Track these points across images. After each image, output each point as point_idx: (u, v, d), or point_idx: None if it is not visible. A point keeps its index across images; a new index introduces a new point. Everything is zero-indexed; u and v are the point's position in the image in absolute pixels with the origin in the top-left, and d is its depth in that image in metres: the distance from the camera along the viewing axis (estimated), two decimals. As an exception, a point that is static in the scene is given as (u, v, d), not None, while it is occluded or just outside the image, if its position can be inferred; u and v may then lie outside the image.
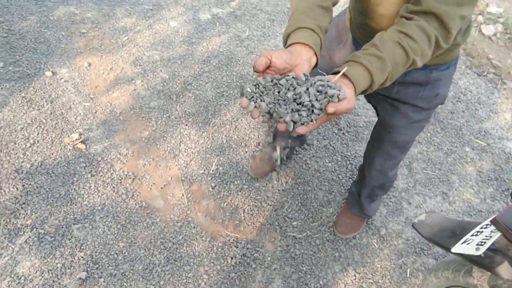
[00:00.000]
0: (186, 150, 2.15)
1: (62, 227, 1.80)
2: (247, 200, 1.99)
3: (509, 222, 0.98)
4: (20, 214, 1.81)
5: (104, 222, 1.84)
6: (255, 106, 0.80)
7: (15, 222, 1.79)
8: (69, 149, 2.09)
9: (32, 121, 2.18)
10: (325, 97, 0.78)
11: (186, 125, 2.26)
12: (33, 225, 1.79)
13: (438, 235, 1.19)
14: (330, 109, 0.77)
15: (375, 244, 1.91)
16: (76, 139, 2.14)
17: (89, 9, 2.80)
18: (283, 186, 2.05)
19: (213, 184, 2.03)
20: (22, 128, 2.15)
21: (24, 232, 1.77)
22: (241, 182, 2.05)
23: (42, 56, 2.50)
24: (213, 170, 2.07)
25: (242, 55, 2.61)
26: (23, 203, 1.85)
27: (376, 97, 1.39)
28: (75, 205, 1.88)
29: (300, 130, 0.78)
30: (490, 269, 1.01)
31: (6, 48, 2.51)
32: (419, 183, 2.13)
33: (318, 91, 0.79)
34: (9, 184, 1.90)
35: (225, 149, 2.17)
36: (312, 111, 0.78)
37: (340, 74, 0.84)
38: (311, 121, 0.78)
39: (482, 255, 1.00)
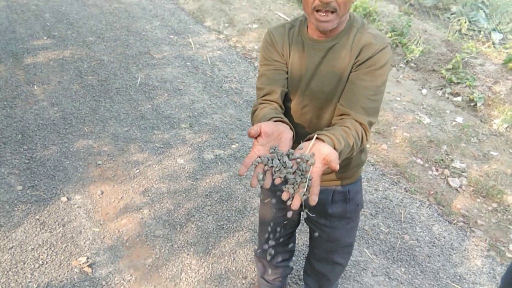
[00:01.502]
0: (186, 279, 2.28)
1: None
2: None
3: None
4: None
5: None
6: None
7: None
8: (76, 272, 2.20)
9: (43, 243, 2.31)
10: (302, 174, 1.05)
11: (188, 254, 2.42)
12: None
13: None
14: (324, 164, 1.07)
15: None
16: (83, 263, 2.26)
17: (106, 144, 3.14)
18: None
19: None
20: (33, 248, 2.27)
21: None
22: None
23: (59, 182, 2.74)
24: (212, 301, 2.18)
25: (241, 192, 2.90)
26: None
27: (311, 219, 1.72)
28: (78, 330, 1.92)
29: (311, 201, 1.02)
30: None
31: (27, 173, 2.76)
32: (405, 323, 2.26)
33: (299, 170, 1.06)
34: (16, 305, 1.96)
35: (224, 280, 2.30)
36: (299, 181, 1.05)
37: (314, 138, 1.13)
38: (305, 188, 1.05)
39: None
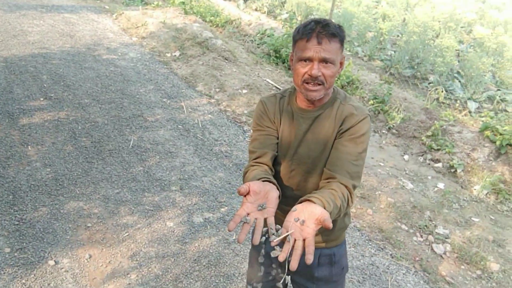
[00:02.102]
0: None
1: None
2: None
3: None
4: None
5: None
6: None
7: None
8: None
9: (26, 310, 2.27)
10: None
11: (175, 322, 2.39)
12: None
13: None
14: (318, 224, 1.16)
15: None
16: (67, 332, 2.21)
17: (97, 206, 3.17)
18: None
19: None
20: (16, 316, 2.22)
21: None
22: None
23: (47, 245, 2.73)
24: None
25: (229, 257, 2.91)
26: None
27: (299, 283, 1.75)
28: None
29: (307, 260, 1.12)
30: None
31: (15, 235, 2.75)
32: None
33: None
34: None
35: None
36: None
37: (305, 201, 1.25)
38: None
39: None
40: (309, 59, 1.39)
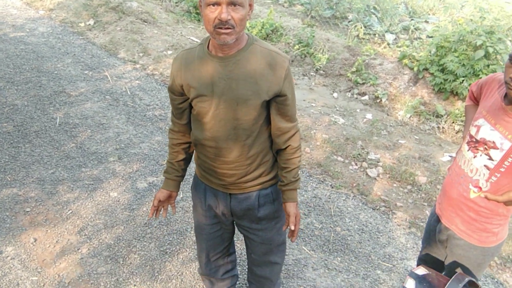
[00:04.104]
0: (137, 309, 2.30)
1: None
2: None
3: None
4: None
5: None
6: None
7: None
8: (18, 326, 2.12)
9: (-23, 303, 2.20)
10: None
11: (135, 285, 2.43)
12: None
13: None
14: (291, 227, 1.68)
15: None
16: (25, 315, 2.19)
17: (32, 189, 3.05)
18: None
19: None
20: (-34, 312, 2.16)
21: None
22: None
23: (-14, 237, 2.61)
24: (166, 324, 2.21)
25: (179, 215, 2.97)
26: None
27: (244, 226, 1.86)
28: None
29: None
30: None
31: None
32: (348, 307, 2.47)
33: None
34: None
35: (175, 302, 2.36)
36: None
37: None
38: None
39: None
40: (217, 3, 1.35)
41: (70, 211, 2.90)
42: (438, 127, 4.60)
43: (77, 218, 2.85)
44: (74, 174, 3.24)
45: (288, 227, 1.73)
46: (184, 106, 1.64)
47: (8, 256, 2.51)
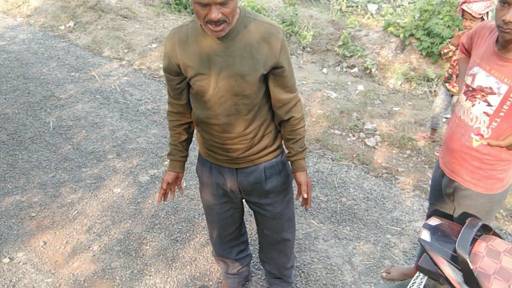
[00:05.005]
0: (155, 298, 2.31)
1: None
2: None
3: (428, 266, 1.39)
4: None
5: None
6: None
7: None
8: (40, 327, 2.13)
9: (-5, 311, 2.21)
10: None
11: (150, 275, 2.45)
12: None
13: (387, 295, 1.55)
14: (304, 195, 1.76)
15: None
16: (45, 316, 2.20)
17: (35, 194, 3.03)
18: None
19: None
20: (-14, 320, 2.16)
21: None
22: None
23: (-5, 246, 2.60)
24: (186, 309, 2.23)
25: (185, 203, 2.97)
26: None
27: (253, 202, 1.86)
28: None
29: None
30: (429, 303, 1.37)
31: (-44, 247, 2.58)
32: (362, 274, 2.50)
33: None
34: None
35: None
36: None
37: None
38: None
39: (421, 296, 1.37)
40: (206, 4, 1.31)
41: (76, 211, 2.90)
42: (430, 91, 4.63)
43: (84, 218, 2.85)
44: (75, 175, 3.23)
45: (301, 196, 1.76)
46: (182, 86, 1.63)
47: (20, 262, 2.51)
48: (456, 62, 3.15)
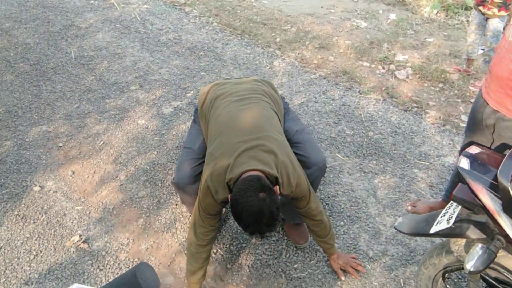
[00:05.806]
0: (181, 227, 2.37)
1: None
2: (248, 256, 2.21)
3: (463, 195, 1.33)
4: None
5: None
6: None
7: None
8: (73, 251, 2.23)
9: (30, 235, 2.31)
10: None
11: (176, 204, 2.49)
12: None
13: (416, 227, 1.51)
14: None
15: (368, 266, 2.18)
16: (77, 241, 2.29)
17: (61, 125, 3.06)
18: (275, 237, 2.31)
19: (214, 250, 2.23)
20: (22, 243, 2.26)
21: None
22: (239, 242, 2.28)
23: (26, 174, 2.68)
24: (212, 237, 2.29)
25: (209, 135, 2.95)
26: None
27: None
28: (96, 297, 1.99)
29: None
30: (461, 235, 1.33)
31: (-10, 175, 2.67)
32: (387, 207, 2.48)
33: None
34: (27, 293, 1.99)
35: (217, 217, 2.41)
36: None
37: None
38: None
39: (453, 226, 1.33)
40: None
41: (102, 142, 2.92)
42: (468, 21, 4.31)
43: (110, 148, 2.87)
44: (99, 106, 3.22)
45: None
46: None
47: (50, 190, 2.58)
48: None
